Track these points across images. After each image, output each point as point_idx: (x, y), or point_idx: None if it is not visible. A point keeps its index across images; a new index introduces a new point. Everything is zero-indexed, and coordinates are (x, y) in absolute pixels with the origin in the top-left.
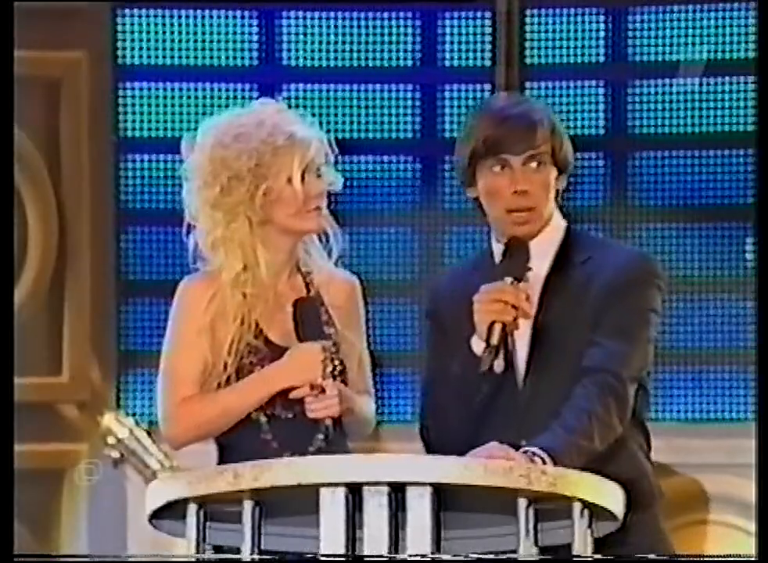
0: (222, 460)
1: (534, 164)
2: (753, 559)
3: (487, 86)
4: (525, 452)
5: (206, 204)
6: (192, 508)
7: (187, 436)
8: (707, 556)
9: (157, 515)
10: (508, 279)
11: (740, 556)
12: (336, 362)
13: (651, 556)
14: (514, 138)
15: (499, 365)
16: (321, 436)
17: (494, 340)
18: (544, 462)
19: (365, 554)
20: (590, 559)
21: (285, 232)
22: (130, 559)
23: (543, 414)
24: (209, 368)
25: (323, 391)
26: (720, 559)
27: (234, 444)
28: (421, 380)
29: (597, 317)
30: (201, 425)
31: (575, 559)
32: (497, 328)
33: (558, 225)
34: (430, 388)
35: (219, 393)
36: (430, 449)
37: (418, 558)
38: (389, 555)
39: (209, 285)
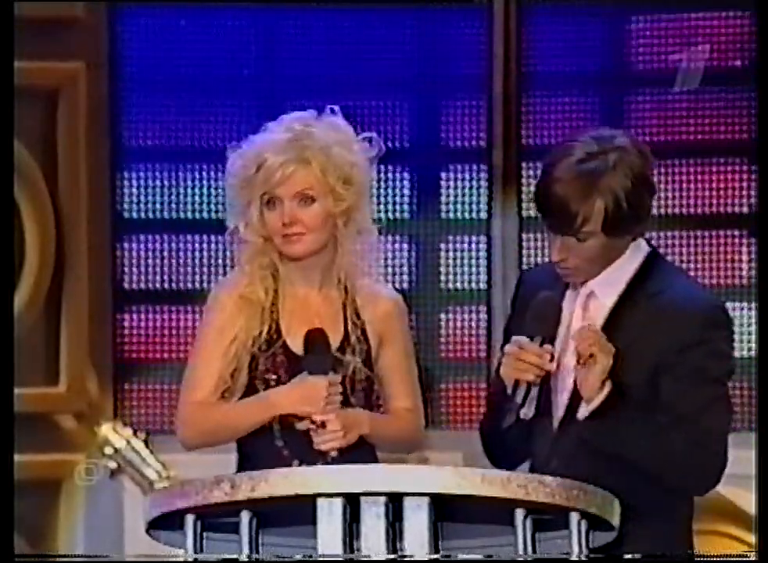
0: (239, 466)
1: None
2: (753, 560)
3: (485, 96)
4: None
5: (229, 203)
6: (190, 519)
7: (195, 441)
8: (707, 556)
9: (154, 526)
10: (537, 339)
11: (740, 556)
12: (359, 386)
13: (650, 556)
14: None
15: (526, 414)
16: (334, 452)
17: (518, 398)
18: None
19: (362, 560)
20: (586, 560)
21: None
22: (128, 559)
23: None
24: (229, 371)
25: (323, 426)
26: (720, 559)
27: (249, 450)
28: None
29: (663, 366)
30: (207, 433)
31: (572, 560)
32: (523, 386)
33: (633, 253)
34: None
35: (226, 406)
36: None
37: (416, 558)
38: (385, 557)
39: (234, 287)
